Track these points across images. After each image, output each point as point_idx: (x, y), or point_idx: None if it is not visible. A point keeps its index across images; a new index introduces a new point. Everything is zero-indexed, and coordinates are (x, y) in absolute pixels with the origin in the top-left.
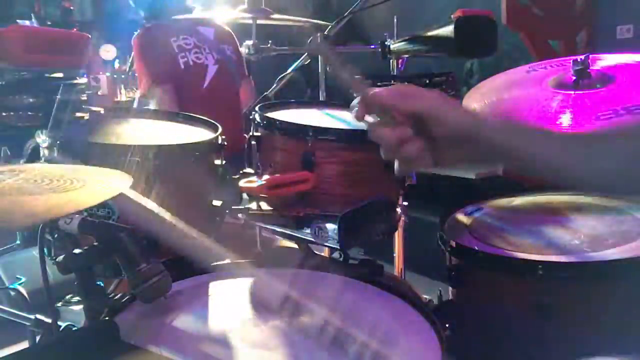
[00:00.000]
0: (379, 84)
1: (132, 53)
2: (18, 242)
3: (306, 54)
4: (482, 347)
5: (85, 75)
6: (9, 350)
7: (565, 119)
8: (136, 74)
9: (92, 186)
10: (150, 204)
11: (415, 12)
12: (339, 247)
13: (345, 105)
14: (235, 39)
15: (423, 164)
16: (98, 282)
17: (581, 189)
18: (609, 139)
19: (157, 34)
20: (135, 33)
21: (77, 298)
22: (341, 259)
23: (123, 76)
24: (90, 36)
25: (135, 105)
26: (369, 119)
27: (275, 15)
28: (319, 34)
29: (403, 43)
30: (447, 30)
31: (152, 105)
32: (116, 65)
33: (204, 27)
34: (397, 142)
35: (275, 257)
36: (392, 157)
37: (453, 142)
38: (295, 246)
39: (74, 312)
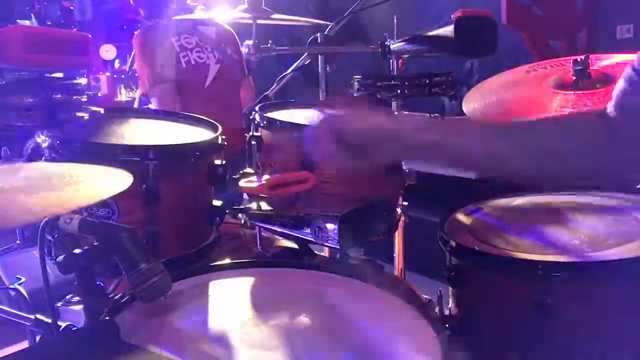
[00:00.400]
0: (379, 84)
1: (132, 53)
2: (18, 242)
3: (306, 54)
4: (482, 347)
5: (85, 75)
6: (9, 350)
7: None
8: (136, 74)
9: (92, 185)
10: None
11: (415, 12)
12: (339, 247)
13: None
14: (237, 38)
15: (342, 163)
16: (98, 282)
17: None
18: (524, 132)
19: (158, 33)
20: (136, 32)
21: (77, 298)
22: (341, 259)
23: (123, 76)
24: (90, 36)
25: (135, 105)
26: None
27: (275, 15)
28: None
29: (403, 43)
30: (447, 30)
31: (153, 105)
32: (116, 65)
33: (205, 26)
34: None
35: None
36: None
37: (367, 145)
38: (295, 246)
39: (74, 312)
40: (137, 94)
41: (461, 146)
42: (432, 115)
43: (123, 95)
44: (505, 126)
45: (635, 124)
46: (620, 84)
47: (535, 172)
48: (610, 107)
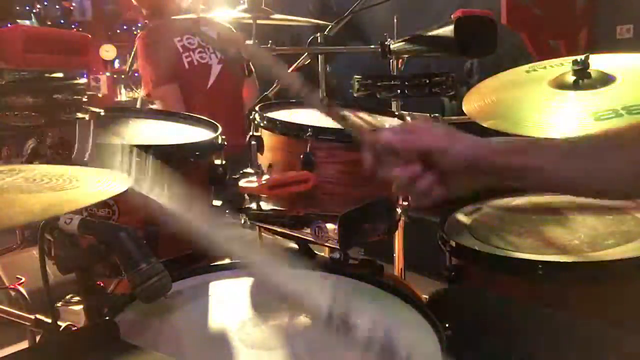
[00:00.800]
0: (379, 84)
1: (132, 53)
2: (18, 242)
3: (306, 54)
4: (482, 347)
5: (85, 76)
6: (9, 350)
7: (565, 119)
8: (137, 74)
9: (92, 185)
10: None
11: (415, 12)
12: (339, 247)
13: (345, 105)
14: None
15: (436, 195)
16: (98, 282)
17: (602, 197)
18: (620, 143)
19: (161, 34)
20: (139, 33)
21: (77, 298)
22: (341, 259)
23: (123, 76)
24: (90, 36)
25: (138, 105)
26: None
27: (275, 15)
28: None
29: (403, 43)
30: (447, 30)
31: (157, 106)
32: (116, 65)
33: (207, 27)
34: (409, 180)
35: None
36: (406, 193)
37: (461, 173)
38: (295, 246)
39: (74, 312)
40: (139, 94)
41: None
42: (432, 115)
43: (123, 95)
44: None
45: None
46: None
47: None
48: None
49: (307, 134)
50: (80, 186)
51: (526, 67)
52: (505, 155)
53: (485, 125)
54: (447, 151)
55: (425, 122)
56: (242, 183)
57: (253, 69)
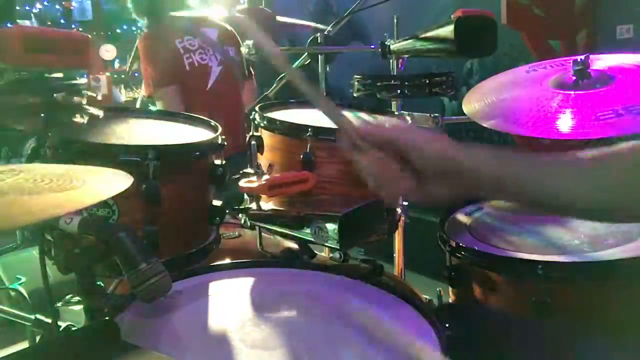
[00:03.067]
0: (379, 84)
1: (133, 53)
2: (18, 242)
3: (306, 54)
4: (482, 347)
5: (85, 76)
6: (9, 350)
7: (565, 119)
8: (137, 74)
9: (92, 185)
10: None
11: (415, 12)
12: (339, 247)
13: (345, 105)
14: (239, 39)
15: (405, 188)
16: (98, 282)
17: (579, 217)
18: (602, 163)
19: (162, 36)
20: (140, 34)
21: (77, 298)
22: (341, 259)
23: (123, 76)
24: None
25: (138, 105)
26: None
27: (276, 17)
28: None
29: (403, 43)
30: (447, 30)
31: (159, 107)
32: (116, 65)
33: (207, 28)
34: (376, 168)
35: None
36: (380, 191)
37: (437, 174)
38: (295, 246)
39: (74, 312)
40: (138, 94)
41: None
42: (432, 115)
43: (123, 96)
44: (582, 164)
45: None
46: None
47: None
48: None
49: (307, 134)
50: (80, 186)
51: (526, 67)
52: (483, 161)
53: (485, 125)
54: (422, 149)
55: (406, 123)
56: (242, 183)
57: (252, 72)
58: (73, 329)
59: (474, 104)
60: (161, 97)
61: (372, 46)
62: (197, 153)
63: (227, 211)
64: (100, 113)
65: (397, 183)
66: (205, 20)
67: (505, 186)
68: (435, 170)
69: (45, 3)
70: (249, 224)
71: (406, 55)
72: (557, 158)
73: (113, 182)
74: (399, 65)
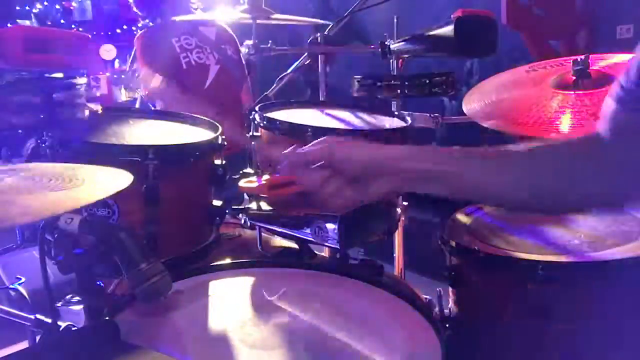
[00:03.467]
0: (379, 84)
1: (132, 53)
2: (18, 242)
3: (306, 54)
4: (482, 347)
5: (85, 75)
6: (9, 350)
7: (565, 119)
8: (137, 74)
9: (91, 185)
10: None
11: (415, 12)
12: (339, 247)
13: (345, 105)
14: (236, 39)
15: (346, 198)
16: (98, 282)
17: (499, 206)
18: (515, 156)
19: (159, 35)
20: (137, 33)
21: (77, 298)
22: (341, 259)
23: (123, 76)
24: (90, 36)
25: (137, 105)
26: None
27: (275, 15)
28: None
29: (403, 43)
30: (447, 30)
31: (158, 106)
32: (116, 65)
33: (205, 27)
34: (318, 184)
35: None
36: (327, 203)
37: (367, 176)
38: (296, 246)
39: (74, 312)
40: (138, 94)
41: (461, 179)
42: (432, 115)
43: (123, 95)
44: (504, 157)
45: (627, 143)
46: (608, 103)
47: (520, 201)
48: (601, 128)
49: (307, 134)
50: (80, 186)
51: (526, 67)
52: (406, 160)
53: (485, 125)
54: (350, 157)
55: (336, 138)
56: (242, 183)
57: (248, 72)
58: (73, 329)
59: (474, 104)
60: (159, 96)
61: (372, 46)
62: (197, 153)
63: (227, 211)
64: (99, 109)
65: (338, 193)
66: (203, 20)
67: (429, 179)
68: (366, 173)
69: (45, 3)
70: (249, 224)
71: (406, 55)
72: (484, 151)
73: (113, 181)
74: (399, 65)
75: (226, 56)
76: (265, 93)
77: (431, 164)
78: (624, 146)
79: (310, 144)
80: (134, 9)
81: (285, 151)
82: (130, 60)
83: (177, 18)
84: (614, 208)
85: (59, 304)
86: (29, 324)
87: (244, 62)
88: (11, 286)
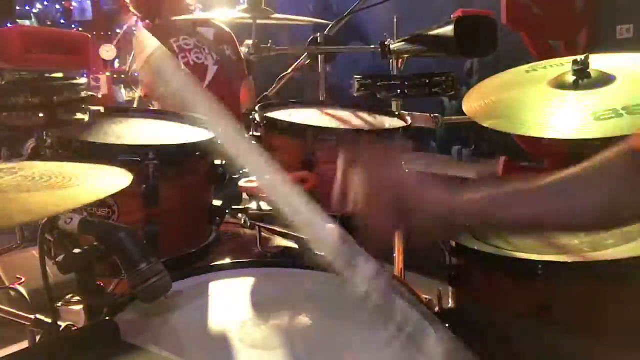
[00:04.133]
0: (379, 84)
1: (132, 53)
2: (18, 242)
3: (306, 54)
4: (482, 347)
5: (85, 75)
6: (9, 350)
7: (565, 119)
8: (137, 74)
9: (91, 184)
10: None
11: (415, 12)
12: None
13: (345, 105)
14: (235, 39)
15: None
16: (98, 282)
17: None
18: (585, 181)
19: (157, 35)
20: (136, 34)
21: (77, 298)
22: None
23: (123, 76)
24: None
25: (135, 105)
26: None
27: (275, 15)
28: None
29: (403, 43)
30: (447, 30)
31: (156, 106)
32: (116, 65)
33: (203, 27)
34: (375, 206)
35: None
36: (362, 214)
37: (429, 219)
38: (295, 246)
39: (74, 312)
40: (136, 94)
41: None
42: (432, 115)
43: (123, 95)
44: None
45: None
46: None
47: (600, 221)
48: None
49: (307, 134)
50: (80, 185)
51: (526, 67)
52: (470, 212)
53: (485, 125)
54: (423, 199)
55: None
56: (242, 183)
57: (248, 71)
58: (73, 329)
59: (474, 104)
60: (157, 97)
61: (372, 46)
62: (197, 153)
63: (227, 211)
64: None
65: (383, 215)
66: (202, 20)
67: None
68: (428, 216)
69: (45, 3)
70: (249, 224)
71: (406, 55)
72: (528, 184)
73: (112, 181)
74: (399, 65)
75: (224, 56)
76: (265, 93)
77: (491, 216)
78: None
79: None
80: (132, 9)
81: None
82: (130, 60)
83: (177, 18)
84: None
85: (59, 304)
86: (29, 324)
87: (244, 62)
88: (11, 286)
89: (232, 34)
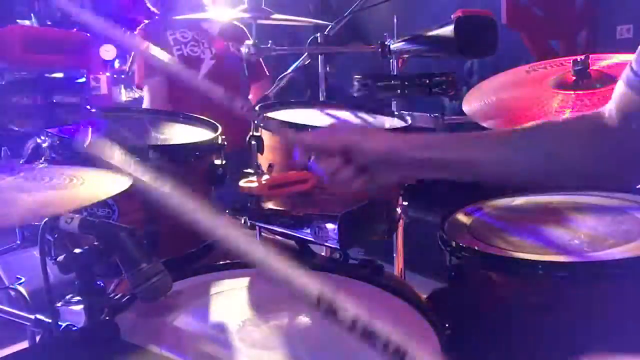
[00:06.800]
0: (379, 84)
1: (132, 52)
2: (18, 242)
3: (306, 54)
4: (482, 347)
5: (85, 75)
6: (9, 350)
7: None
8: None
9: (92, 184)
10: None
11: (415, 12)
12: (339, 247)
13: (345, 105)
14: (248, 35)
15: (357, 186)
16: (98, 282)
17: (510, 184)
18: (527, 136)
19: (155, 28)
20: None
21: (77, 298)
22: (341, 259)
23: (123, 76)
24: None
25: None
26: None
27: (275, 15)
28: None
29: (403, 43)
30: (447, 30)
31: (145, 96)
32: (116, 65)
33: (208, 22)
34: (330, 172)
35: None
36: (331, 183)
37: (379, 165)
38: (295, 246)
39: (74, 312)
40: (137, 94)
41: (465, 160)
42: (432, 115)
43: (123, 95)
44: (505, 134)
45: (634, 126)
46: (619, 85)
47: (536, 177)
48: (608, 110)
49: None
50: (81, 185)
51: (526, 67)
52: (419, 148)
53: (485, 125)
54: (361, 146)
55: (345, 123)
56: (242, 183)
57: (267, 73)
58: (73, 329)
59: (474, 104)
60: (146, 87)
61: (372, 46)
62: (197, 153)
63: (227, 211)
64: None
65: (349, 180)
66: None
67: (444, 167)
68: (380, 162)
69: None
70: (249, 224)
71: (406, 55)
72: (486, 134)
73: (113, 181)
74: (399, 65)
75: (228, 52)
76: (265, 93)
77: (448, 152)
78: (632, 128)
79: (322, 129)
80: (148, 4)
81: (301, 135)
82: (130, 60)
83: (187, 16)
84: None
85: (59, 304)
86: (29, 324)
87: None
88: (11, 286)
89: (245, 31)
